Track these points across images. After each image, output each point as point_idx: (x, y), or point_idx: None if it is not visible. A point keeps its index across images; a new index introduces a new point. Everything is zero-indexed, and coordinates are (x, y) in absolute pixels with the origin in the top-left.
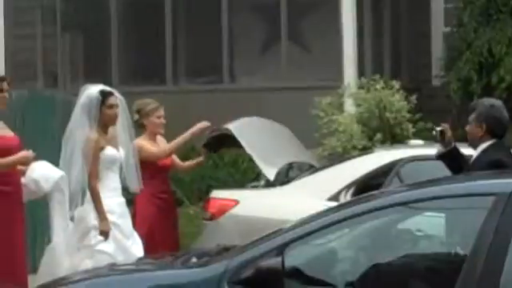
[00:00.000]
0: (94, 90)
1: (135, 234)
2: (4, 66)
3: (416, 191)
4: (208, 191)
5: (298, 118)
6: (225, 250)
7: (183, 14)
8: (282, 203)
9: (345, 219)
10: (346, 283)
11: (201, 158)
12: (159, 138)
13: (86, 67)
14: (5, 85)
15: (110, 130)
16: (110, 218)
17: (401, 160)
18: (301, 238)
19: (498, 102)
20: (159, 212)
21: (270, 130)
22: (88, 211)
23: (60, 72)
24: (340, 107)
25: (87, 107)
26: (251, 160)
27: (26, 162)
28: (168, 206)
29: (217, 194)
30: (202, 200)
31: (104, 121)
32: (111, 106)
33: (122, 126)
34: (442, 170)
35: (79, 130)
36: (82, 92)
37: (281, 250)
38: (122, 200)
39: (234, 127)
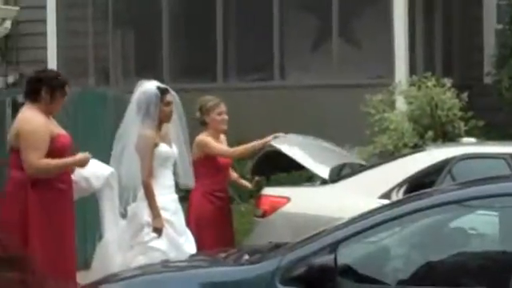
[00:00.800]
0: (151, 86)
1: (188, 232)
2: (56, 62)
3: (469, 189)
4: (259, 189)
5: (348, 115)
6: (277, 248)
7: (234, 11)
8: (333, 201)
9: (397, 217)
10: (398, 281)
11: (250, 186)
12: (222, 137)
13: (138, 64)
14: (67, 89)
15: (163, 126)
16: (164, 214)
17: (453, 158)
18: (353, 235)
19: None
20: (215, 209)
21: (307, 140)
22: (141, 208)
23: (111, 69)
24: (391, 105)
25: (144, 104)
26: None
27: (83, 165)
28: (224, 203)
29: (268, 191)
30: (252, 197)
31: (160, 118)
32: (168, 103)
33: (173, 123)
34: (494, 168)
35: (134, 126)
36: (137, 88)
37: (333, 248)
38: (176, 197)
39: (277, 142)
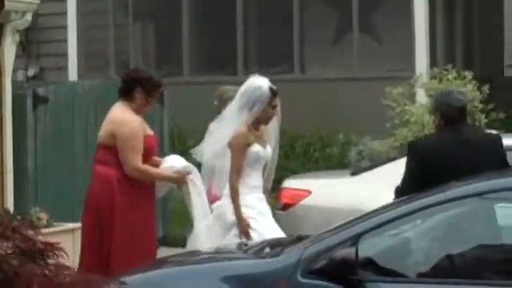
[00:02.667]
0: (265, 84)
1: (278, 230)
2: (76, 55)
3: (489, 182)
4: (280, 181)
5: (369, 108)
6: (298, 240)
7: (255, 4)
8: (354, 193)
9: (418, 210)
10: (419, 274)
11: None
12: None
13: (158, 56)
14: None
15: (260, 127)
16: (250, 213)
17: None
18: (374, 228)
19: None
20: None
21: None
22: (226, 206)
23: (132, 61)
24: (412, 97)
25: (252, 100)
26: (323, 149)
27: (179, 183)
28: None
29: (289, 183)
30: (274, 190)
31: (261, 118)
32: (274, 107)
33: (271, 125)
34: None
35: (233, 121)
36: (248, 83)
37: (355, 241)
38: (262, 196)
39: None
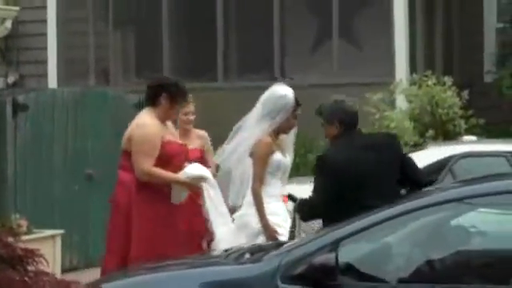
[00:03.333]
0: (290, 93)
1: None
2: (56, 63)
3: (470, 187)
4: None
5: None
6: (278, 246)
7: (234, 10)
8: None
9: (398, 215)
10: (399, 279)
11: None
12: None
13: (138, 64)
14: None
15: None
16: (275, 220)
17: (454, 156)
18: (354, 234)
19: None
20: None
21: None
22: (249, 215)
23: (112, 68)
24: (392, 103)
25: (277, 108)
26: (304, 155)
27: (191, 188)
28: None
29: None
30: None
31: (282, 127)
32: (296, 117)
33: (290, 133)
34: (495, 166)
35: (255, 129)
36: (271, 91)
37: (334, 246)
38: (283, 205)
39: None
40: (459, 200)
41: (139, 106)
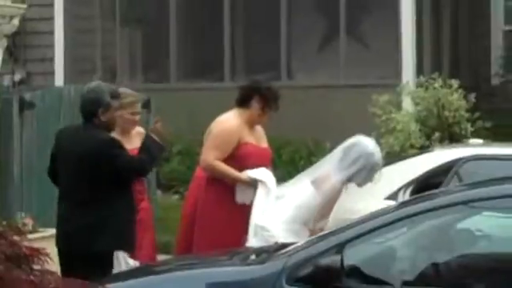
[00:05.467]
0: (376, 156)
1: None
2: (63, 60)
3: (476, 191)
4: None
5: (356, 115)
6: (283, 247)
7: (242, 10)
8: (340, 201)
9: (404, 218)
10: (405, 282)
11: None
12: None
13: (145, 62)
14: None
15: None
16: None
17: (460, 159)
18: (360, 236)
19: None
20: None
21: None
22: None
23: (118, 67)
24: (398, 105)
25: (364, 169)
26: (309, 157)
27: (249, 186)
28: None
29: None
30: None
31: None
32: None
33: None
34: (502, 169)
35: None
36: (355, 141)
37: (340, 249)
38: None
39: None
40: (465, 203)
41: (146, 105)
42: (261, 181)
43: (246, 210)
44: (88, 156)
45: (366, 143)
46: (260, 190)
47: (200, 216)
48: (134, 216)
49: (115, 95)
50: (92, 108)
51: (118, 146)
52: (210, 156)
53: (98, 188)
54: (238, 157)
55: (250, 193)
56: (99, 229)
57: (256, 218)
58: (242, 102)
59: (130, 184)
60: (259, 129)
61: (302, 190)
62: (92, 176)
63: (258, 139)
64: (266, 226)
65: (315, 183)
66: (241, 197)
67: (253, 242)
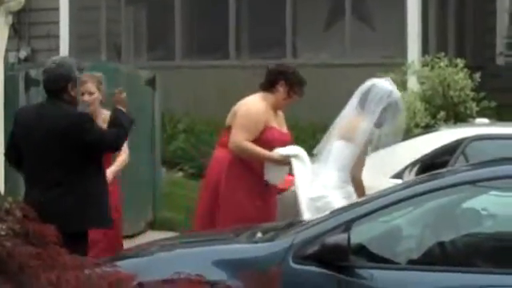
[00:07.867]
0: (395, 93)
1: None
2: (68, 37)
3: (482, 170)
4: None
5: None
6: (290, 226)
7: None
8: None
9: (410, 197)
10: (411, 260)
11: None
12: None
13: (150, 40)
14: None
15: None
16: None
17: (466, 139)
18: (367, 215)
19: None
20: None
21: None
22: (332, 197)
23: (123, 44)
24: (403, 85)
25: (376, 103)
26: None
27: (280, 164)
28: None
29: None
30: None
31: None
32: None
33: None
34: (507, 149)
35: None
36: (371, 84)
37: (347, 227)
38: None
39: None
40: (471, 183)
41: (151, 83)
42: (294, 155)
43: (269, 189)
44: (60, 133)
45: (382, 83)
46: (296, 164)
47: (223, 197)
48: (107, 190)
49: (81, 69)
50: (63, 83)
51: (89, 120)
52: (239, 136)
53: (70, 167)
54: (263, 140)
55: (279, 172)
56: (77, 209)
57: (305, 191)
58: (268, 86)
59: (101, 160)
60: (280, 113)
61: (337, 152)
62: (64, 155)
63: (280, 124)
64: (320, 194)
65: (346, 137)
66: (271, 176)
67: (307, 216)
